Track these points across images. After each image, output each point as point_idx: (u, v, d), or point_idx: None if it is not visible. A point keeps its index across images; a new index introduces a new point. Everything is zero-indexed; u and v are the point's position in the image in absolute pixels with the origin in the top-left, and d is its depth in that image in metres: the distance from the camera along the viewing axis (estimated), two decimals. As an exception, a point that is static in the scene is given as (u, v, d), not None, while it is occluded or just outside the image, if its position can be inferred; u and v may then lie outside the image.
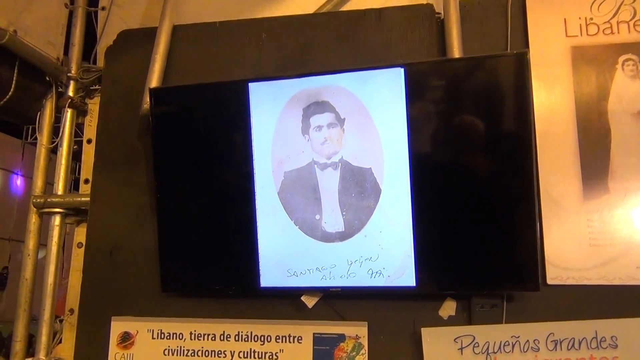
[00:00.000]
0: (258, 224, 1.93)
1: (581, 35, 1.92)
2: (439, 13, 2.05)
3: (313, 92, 1.89)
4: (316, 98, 1.89)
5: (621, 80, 1.87)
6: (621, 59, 1.88)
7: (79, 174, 2.42)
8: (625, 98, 1.85)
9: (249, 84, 1.94)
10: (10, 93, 2.18)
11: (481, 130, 1.78)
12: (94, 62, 2.43)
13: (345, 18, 2.15)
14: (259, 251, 1.93)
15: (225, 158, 1.99)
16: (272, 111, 1.92)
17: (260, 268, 1.93)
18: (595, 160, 1.84)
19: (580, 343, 1.75)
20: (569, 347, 1.76)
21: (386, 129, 1.83)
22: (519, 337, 1.79)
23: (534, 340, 1.78)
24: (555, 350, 1.76)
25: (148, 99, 2.07)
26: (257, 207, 1.93)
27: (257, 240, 1.93)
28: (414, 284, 1.81)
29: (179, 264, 2.05)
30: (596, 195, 1.82)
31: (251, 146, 1.94)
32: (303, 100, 1.90)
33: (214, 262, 2.02)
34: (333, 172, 1.87)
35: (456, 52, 1.93)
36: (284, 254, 1.92)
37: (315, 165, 1.89)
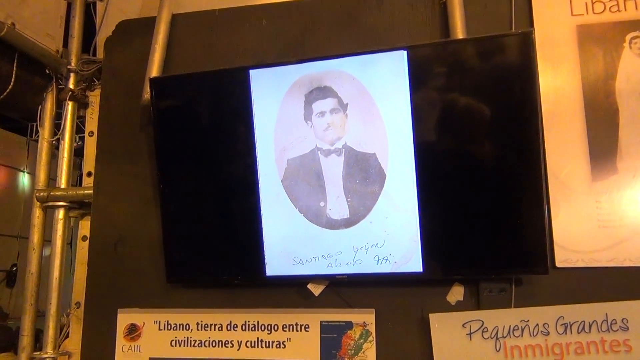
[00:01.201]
0: (262, 212, 1.91)
1: (587, 13, 1.88)
2: (442, -6, 2.01)
3: (315, 78, 1.87)
4: (318, 83, 1.86)
5: (629, 58, 1.83)
6: (628, 36, 1.84)
7: (82, 168, 2.41)
8: (634, 76, 1.82)
9: (250, 70, 1.92)
10: (10, 87, 2.16)
11: (487, 112, 1.75)
12: (94, 54, 2.41)
13: (346, 2, 2.12)
14: (264, 240, 1.91)
15: (228, 147, 1.97)
16: (274, 98, 1.90)
17: (265, 257, 1.92)
18: (603, 141, 1.81)
19: (590, 326, 1.73)
20: (579, 331, 1.73)
21: (390, 113, 1.80)
22: (528, 321, 1.77)
23: (544, 324, 1.76)
24: (566, 333, 1.74)
25: (149, 89, 2.05)
26: (260, 195, 1.91)
27: (261, 229, 1.91)
28: (422, 270, 1.79)
29: (183, 254, 2.03)
30: (605, 176, 1.79)
31: (253, 134, 1.92)
32: (305, 86, 1.87)
33: (219, 252, 2.01)
34: (337, 158, 1.85)
35: (460, 33, 1.89)
36: (289, 242, 1.90)
37: (319, 152, 1.87)
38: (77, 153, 2.46)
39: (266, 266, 1.92)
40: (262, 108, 1.91)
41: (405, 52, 1.78)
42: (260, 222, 1.92)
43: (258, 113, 1.91)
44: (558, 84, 1.86)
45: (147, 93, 2.07)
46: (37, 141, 2.72)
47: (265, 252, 1.91)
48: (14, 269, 6.76)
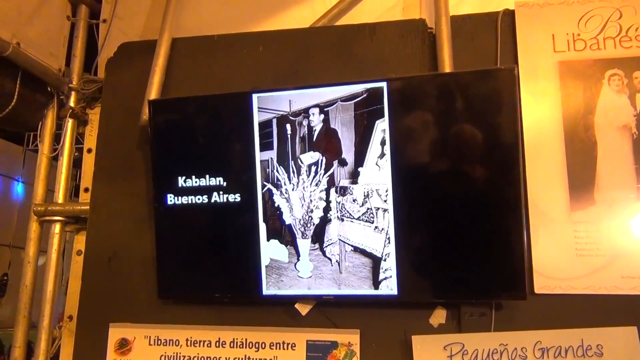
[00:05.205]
0: (260, 232, 1.98)
1: (569, 50, 1.97)
2: (431, 28, 2.10)
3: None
4: (312, 109, 1.95)
5: (607, 94, 1.92)
6: (607, 74, 1.93)
7: (79, 180, 2.47)
8: (611, 112, 1.90)
9: (253, 95, 1.99)
10: (12, 104, 2.22)
11: (471, 142, 1.82)
12: (95, 74, 2.48)
13: (339, 32, 2.21)
14: (262, 259, 1.98)
15: (228, 168, 2.02)
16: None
17: (262, 276, 1.98)
18: (581, 172, 1.89)
19: (567, 351, 1.79)
20: (556, 355, 1.80)
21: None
22: (507, 345, 1.83)
23: (522, 349, 1.82)
24: (543, 358, 1.80)
25: (147, 111, 2.12)
26: (260, 215, 1.98)
27: (259, 248, 1.98)
28: (397, 293, 1.86)
29: (175, 272, 2.08)
30: (583, 206, 1.87)
31: (254, 155, 1.98)
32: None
33: (214, 271, 2.06)
34: (326, 183, 1.93)
35: (447, 66, 1.98)
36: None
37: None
38: (74, 164, 2.51)
39: (263, 285, 1.98)
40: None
41: (385, 84, 1.86)
42: (259, 242, 1.98)
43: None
44: (540, 117, 1.95)
45: (145, 114, 2.14)
46: (33, 151, 2.78)
47: (262, 270, 1.98)
48: (5, 278, 6.72)
